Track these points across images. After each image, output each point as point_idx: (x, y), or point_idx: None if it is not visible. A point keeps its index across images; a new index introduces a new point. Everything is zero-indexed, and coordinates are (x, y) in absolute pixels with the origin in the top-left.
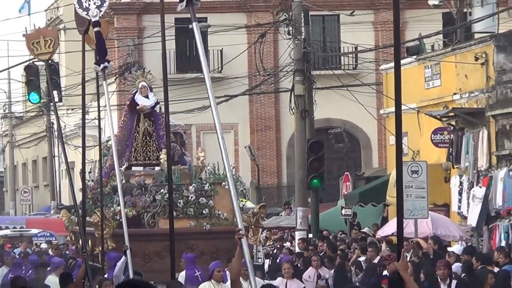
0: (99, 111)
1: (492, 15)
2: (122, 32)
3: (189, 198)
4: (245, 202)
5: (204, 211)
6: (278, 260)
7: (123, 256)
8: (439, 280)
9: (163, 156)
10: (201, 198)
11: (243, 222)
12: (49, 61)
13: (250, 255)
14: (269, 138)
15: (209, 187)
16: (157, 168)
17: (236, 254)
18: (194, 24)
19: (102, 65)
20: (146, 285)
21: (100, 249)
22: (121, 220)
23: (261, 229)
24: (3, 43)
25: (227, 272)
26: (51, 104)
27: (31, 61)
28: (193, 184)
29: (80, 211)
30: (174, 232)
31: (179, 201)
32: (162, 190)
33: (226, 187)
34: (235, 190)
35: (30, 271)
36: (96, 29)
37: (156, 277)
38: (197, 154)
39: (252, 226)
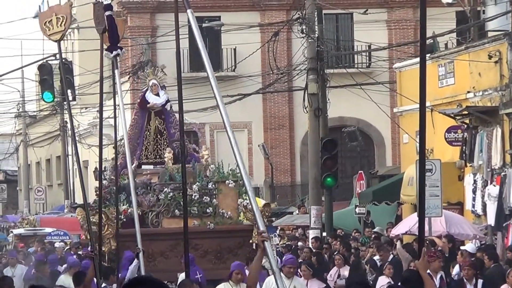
0: (115, 109)
1: (506, 13)
2: (135, 30)
3: (193, 197)
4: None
5: (207, 210)
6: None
7: (135, 260)
8: (465, 280)
9: (167, 155)
10: (204, 197)
11: (247, 221)
12: (60, 41)
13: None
14: (283, 137)
15: (213, 185)
16: None
17: (256, 258)
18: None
19: (114, 52)
20: (153, 282)
21: (103, 249)
22: (124, 220)
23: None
24: (16, 42)
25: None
26: (65, 103)
27: (44, 60)
28: (197, 182)
29: (89, 210)
30: (180, 231)
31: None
32: (165, 189)
33: (230, 185)
34: (249, 187)
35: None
36: (108, 13)
37: (160, 277)
38: (201, 152)
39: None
